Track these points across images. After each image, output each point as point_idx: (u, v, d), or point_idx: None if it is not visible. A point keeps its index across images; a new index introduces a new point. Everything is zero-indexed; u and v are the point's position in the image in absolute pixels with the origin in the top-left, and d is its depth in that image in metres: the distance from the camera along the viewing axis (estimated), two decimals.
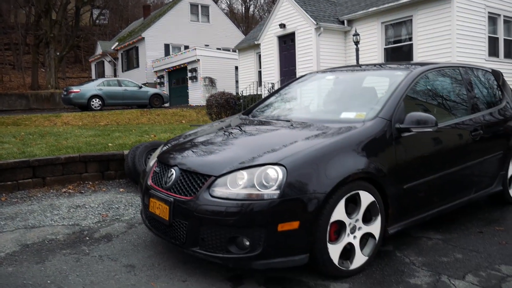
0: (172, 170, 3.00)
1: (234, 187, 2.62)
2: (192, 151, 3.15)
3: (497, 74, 4.72)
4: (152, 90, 21.18)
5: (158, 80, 27.68)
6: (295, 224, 2.55)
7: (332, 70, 4.38)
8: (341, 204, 2.70)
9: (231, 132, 3.46)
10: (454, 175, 3.61)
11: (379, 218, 2.95)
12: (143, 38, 27.98)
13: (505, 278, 2.81)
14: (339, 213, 2.70)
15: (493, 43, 12.30)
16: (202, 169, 2.82)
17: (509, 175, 4.38)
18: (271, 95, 4.41)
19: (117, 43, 33.33)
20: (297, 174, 2.60)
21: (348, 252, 2.85)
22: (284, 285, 2.72)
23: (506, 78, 12.50)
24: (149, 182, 3.23)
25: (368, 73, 4.06)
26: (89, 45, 45.12)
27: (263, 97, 12.13)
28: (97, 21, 46.37)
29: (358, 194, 2.80)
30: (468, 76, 4.12)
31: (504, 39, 12.58)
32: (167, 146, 3.53)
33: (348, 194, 2.74)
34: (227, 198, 2.59)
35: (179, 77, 26.03)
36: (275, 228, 2.52)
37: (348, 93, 3.87)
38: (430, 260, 3.10)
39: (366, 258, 2.91)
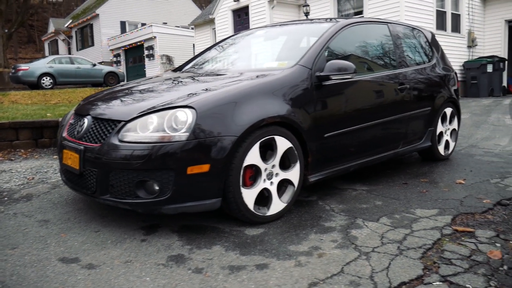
0: (85, 119, 2.90)
1: (144, 131, 2.54)
2: (107, 101, 3.04)
3: (428, 34, 4.79)
4: (106, 68, 20.50)
5: (115, 59, 26.92)
6: (205, 167, 2.50)
7: (266, 26, 4.32)
8: (255, 149, 2.67)
9: (153, 84, 3.35)
10: (379, 127, 3.65)
11: (297, 165, 2.95)
12: (98, 15, 27.06)
13: (417, 219, 2.87)
14: (253, 157, 2.66)
15: (441, 16, 12.55)
16: (112, 115, 2.73)
17: (437, 132, 4.49)
18: (205, 51, 4.32)
19: (70, 21, 32.07)
20: (207, 117, 2.54)
21: (266, 199, 2.84)
22: (198, 232, 2.69)
23: (453, 52, 12.83)
24: (64, 134, 3.11)
25: (296, 27, 4.02)
26: (43, 24, 43.23)
27: None
28: None
29: (274, 139, 2.77)
30: (396, 33, 4.15)
31: (452, 13, 12.87)
32: (86, 100, 3.40)
33: (263, 139, 2.70)
34: (136, 142, 2.51)
35: (136, 55, 25.41)
36: (184, 171, 2.47)
37: (275, 46, 3.84)
38: (350, 207, 3.14)
39: (285, 204, 2.91)
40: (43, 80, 18.25)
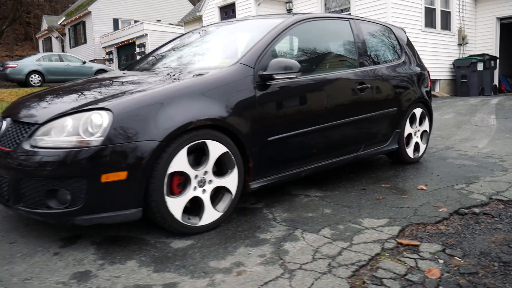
0: (4, 121, 2.69)
1: (58, 135, 2.33)
2: (31, 102, 2.82)
3: (398, 31, 4.57)
4: (97, 66, 20.30)
5: (107, 57, 26.68)
6: (122, 175, 2.29)
7: (220, 22, 4.11)
8: (182, 154, 2.45)
9: (87, 85, 3.14)
10: (334, 130, 3.43)
11: (235, 171, 2.73)
12: (90, 12, 26.79)
13: (361, 230, 2.65)
14: (179, 163, 2.45)
15: (430, 14, 12.31)
16: (28, 118, 2.52)
17: (406, 133, 4.27)
18: (158, 48, 4.11)
19: (64, 18, 31.79)
20: (126, 120, 2.33)
21: (199, 208, 2.63)
22: (120, 244, 2.47)
23: (442, 50, 12.59)
24: None
25: (249, 22, 3.79)
26: (39, 22, 42.94)
27: None
28: None
29: (205, 144, 2.56)
30: (359, 29, 3.92)
31: (441, 10, 12.63)
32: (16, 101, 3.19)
33: (192, 143, 2.49)
34: (48, 147, 2.30)
35: (128, 53, 25.17)
36: (98, 179, 2.25)
37: (222, 43, 3.62)
38: (295, 216, 2.92)
39: (220, 214, 2.69)
40: (32, 77, 18.02)
